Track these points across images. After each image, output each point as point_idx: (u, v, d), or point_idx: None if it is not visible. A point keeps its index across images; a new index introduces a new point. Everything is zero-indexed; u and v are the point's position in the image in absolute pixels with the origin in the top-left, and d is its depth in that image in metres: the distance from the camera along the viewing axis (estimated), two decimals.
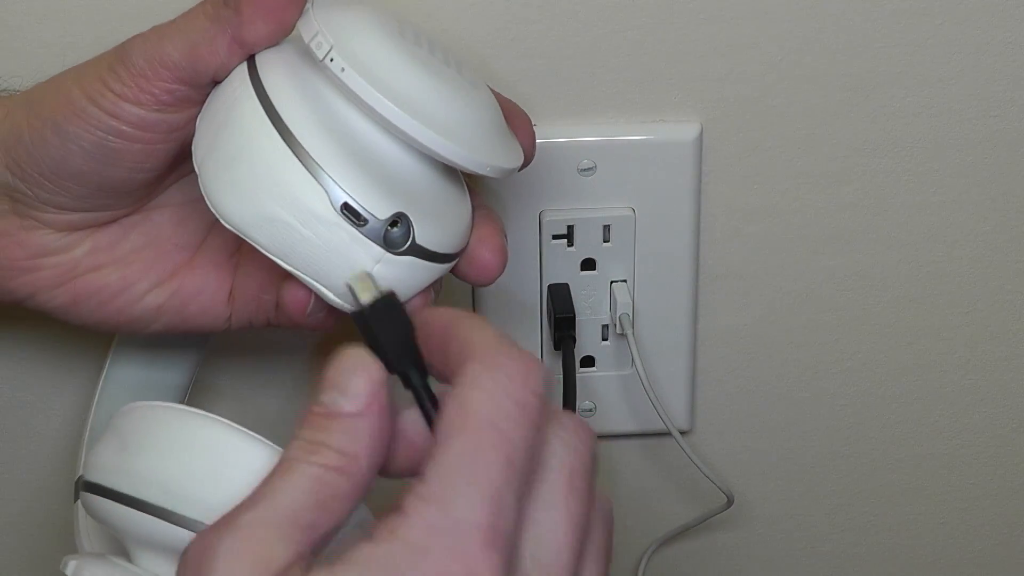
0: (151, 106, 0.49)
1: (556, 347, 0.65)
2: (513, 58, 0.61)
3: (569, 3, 0.60)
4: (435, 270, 0.50)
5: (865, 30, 0.61)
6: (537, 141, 0.62)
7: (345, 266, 0.48)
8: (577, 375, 0.65)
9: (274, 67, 0.49)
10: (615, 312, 0.65)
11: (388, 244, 0.48)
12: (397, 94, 0.47)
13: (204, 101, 0.50)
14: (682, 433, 0.68)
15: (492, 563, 0.38)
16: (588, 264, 0.64)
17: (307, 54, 0.48)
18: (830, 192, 0.65)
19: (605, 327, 0.66)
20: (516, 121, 0.53)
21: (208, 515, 0.43)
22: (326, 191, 0.47)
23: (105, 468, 0.48)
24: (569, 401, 0.62)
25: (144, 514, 0.46)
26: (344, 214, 0.47)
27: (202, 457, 0.46)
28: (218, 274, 0.55)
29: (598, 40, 0.61)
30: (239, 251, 0.56)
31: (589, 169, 0.63)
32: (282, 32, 0.49)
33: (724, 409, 0.70)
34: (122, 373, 0.61)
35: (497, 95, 0.53)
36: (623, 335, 0.65)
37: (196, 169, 0.49)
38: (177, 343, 0.61)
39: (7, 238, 0.53)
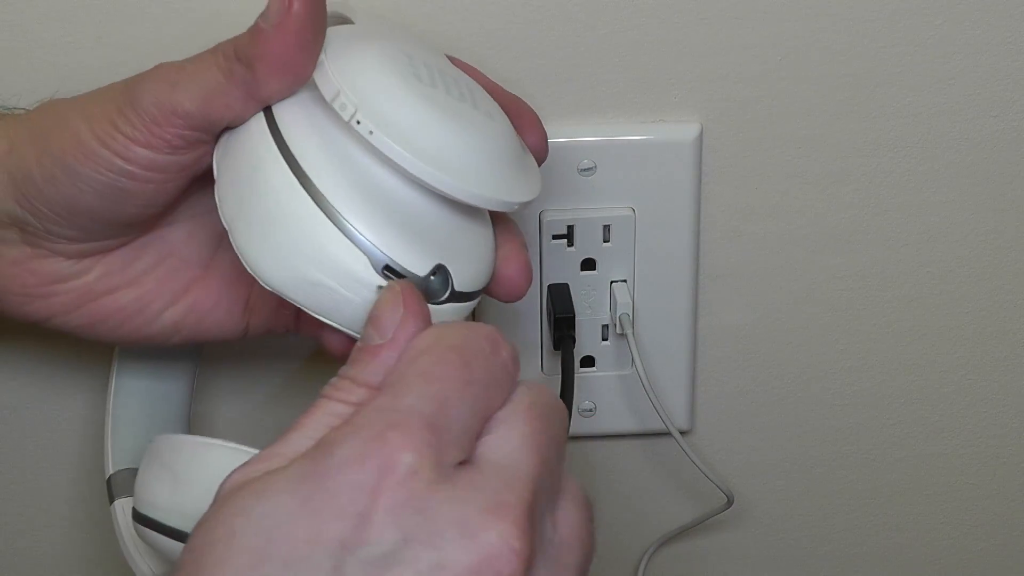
0: (163, 150, 0.49)
1: (556, 347, 0.65)
2: (513, 58, 0.61)
3: (569, 3, 0.60)
4: (470, 306, 0.50)
5: (865, 30, 0.61)
6: None
7: None
8: (577, 375, 0.65)
9: (295, 121, 0.48)
10: (615, 312, 0.65)
11: (429, 296, 0.48)
12: (424, 150, 0.47)
13: (216, 139, 0.50)
14: (682, 433, 0.68)
15: (426, 441, 0.39)
16: (588, 264, 0.64)
17: (325, 103, 0.48)
18: (830, 192, 0.65)
19: (605, 327, 0.66)
20: (525, 122, 0.53)
21: None
22: (367, 256, 0.47)
23: (160, 506, 0.49)
24: (568, 401, 0.62)
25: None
26: (386, 274, 0.47)
27: None
28: (233, 288, 0.56)
29: (598, 40, 0.61)
30: None
31: (589, 169, 0.63)
32: (298, 85, 0.48)
33: (724, 409, 0.70)
34: (130, 384, 0.61)
35: (503, 93, 0.53)
36: (623, 335, 0.65)
37: (225, 226, 0.48)
38: (177, 352, 0.62)
39: (19, 266, 0.53)
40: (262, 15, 0.47)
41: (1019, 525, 0.74)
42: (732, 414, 0.70)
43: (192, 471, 0.48)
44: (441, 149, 0.47)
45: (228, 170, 0.49)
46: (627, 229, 0.64)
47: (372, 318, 0.44)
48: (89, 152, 0.49)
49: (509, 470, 0.40)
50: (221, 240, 0.55)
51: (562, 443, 0.43)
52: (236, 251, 0.48)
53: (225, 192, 0.49)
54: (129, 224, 0.52)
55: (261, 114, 0.48)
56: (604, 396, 0.68)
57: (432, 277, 0.48)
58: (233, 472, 0.41)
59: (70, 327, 0.54)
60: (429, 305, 0.47)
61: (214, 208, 0.50)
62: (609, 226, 0.64)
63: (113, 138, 0.49)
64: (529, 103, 0.61)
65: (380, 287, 0.47)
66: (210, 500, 0.41)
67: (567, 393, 0.62)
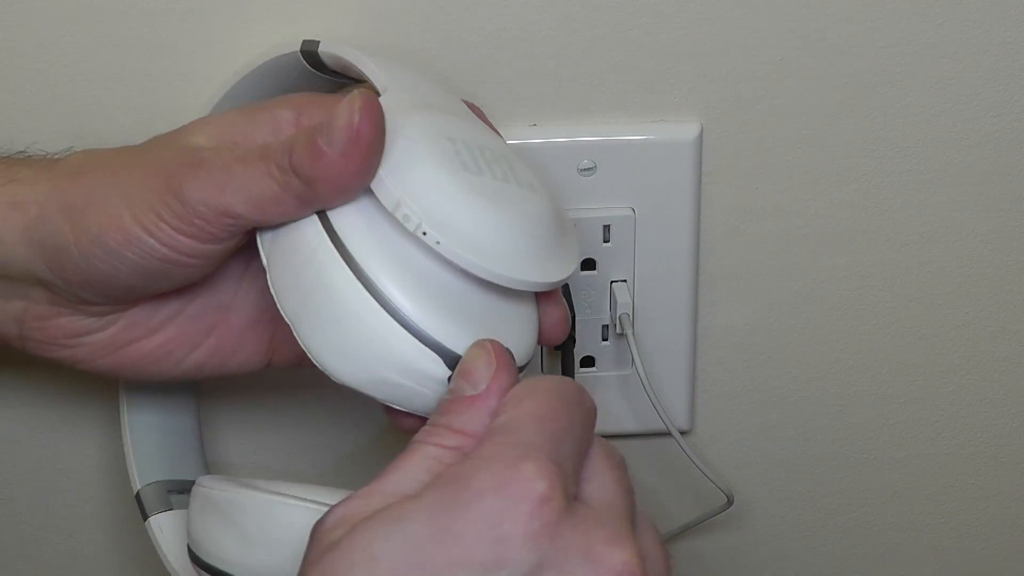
0: (208, 241, 0.49)
1: (556, 347, 0.65)
2: (513, 58, 0.61)
3: (569, 3, 0.60)
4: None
5: (865, 30, 0.61)
6: (537, 141, 0.62)
7: None
8: (577, 375, 0.65)
9: (351, 221, 0.49)
10: (615, 312, 0.65)
11: None
12: (484, 250, 0.48)
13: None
14: (682, 433, 0.68)
15: (554, 472, 0.42)
16: (588, 264, 0.64)
17: (378, 202, 0.48)
18: (830, 192, 0.65)
19: (605, 327, 0.66)
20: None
21: None
22: (438, 355, 0.48)
23: (228, 561, 0.50)
24: None
25: None
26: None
27: None
28: (256, 328, 0.56)
29: (598, 40, 0.61)
30: (274, 308, 0.56)
31: (589, 169, 0.63)
32: (354, 197, 0.49)
33: (724, 409, 0.70)
34: (141, 416, 0.62)
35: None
36: (623, 335, 0.65)
37: (287, 320, 0.49)
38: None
39: (44, 321, 0.53)
40: (323, 134, 0.47)
41: (1019, 525, 0.74)
42: (732, 414, 0.70)
43: (264, 530, 0.49)
44: (496, 243, 0.49)
45: (284, 268, 0.49)
46: (627, 229, 0.64)
47: (464, 371, 0.47)
48: (132, 238, 0.49)
49: (614, 507, 0.45)
50: (240, 282, 0.56)
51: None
52: (302, 346, 0.49)
53: (283, 287, 0.49)
54: (164, 292, 0.53)
55: (315, 215, 0.49)
56: (604, 396, 0.68)
57: None
58: (334, 508, 0.43)
59: (97, 371, 0.55)
60: None
61: (234, 252, 0.50)
62: (609, 226, 0.64)
63: (159, 228, 0.49)
64: (529, 103, 0.62)
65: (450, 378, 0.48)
66: (283, 553, 0.45)
67: None
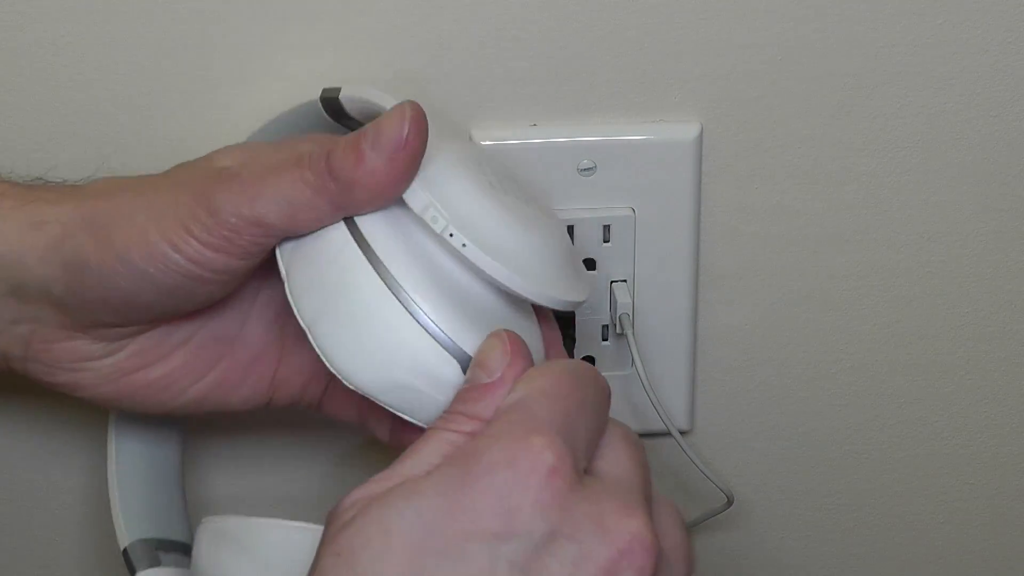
0: (236, 256, 0.49)
1: None
2: (513, 58, 0.61)
3: (569, 3, 0.60)
4: None
5: (865, 30, 0.61)
6: (537, 141, 0.62)
7: None
8: None
9: (378, 225, 0.49)
10: (615, 312, 0.65)
11: None
12: (509, 259, 0.50)
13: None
14: (682, 433, 0.68)
15: (563, 446, 0.43)
16: (588, 264, 0.64)
17: (404, 206, 0.49)
18: (830, 192, 0.65)
19: (605, 327, 0.66)
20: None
21: None
22: (457, 360, 0.49)
23: None
24: None
25: None
26: None
27: None
28: (261, 363, 0.56)
29: (598, 40, 0.61)
30: (280, 341, 0.56)
31: (589, 169, 0.63)
32: (386, 205, 0.49)
33: (724, 409, 0.70)
34: (129, 447, 0.61)
35: None
36: (623, 335, 0.65)
37: (304, 327, 0.49)
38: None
39: (50, 344, 0.52)
40: (369, 139, 0.48)
41: (1019, 525, 0.74)
42: (732, 414, 0.70)
43: (285, 555, 0.49)
44: (519, 255, 0.50)
45: (305, 271, 0.50)
46: (627, 229, 0.64)
47: (479, 361, 0.47)
48: (158, 254, 0.49)
49: (626, 482, 0.46)
50: (250, 312, 0.56)
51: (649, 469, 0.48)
52: (318, 351, 0.49)
53: (303, 290, 0.49)
54: (179, 315, 0.53)
55: (341, 220, 0.50)
56: None
57: None
58: (352, 492, 0.44)
59: (96, 399, 0.54)
60: None
61: (244, 283, 0.51)
62: (609, 226, 0.64)
63: (187, 243, 0.49)
64: (529, 103, 0.62)
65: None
66: None
67: None
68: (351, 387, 0.49)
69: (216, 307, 0.54)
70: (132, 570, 0.58)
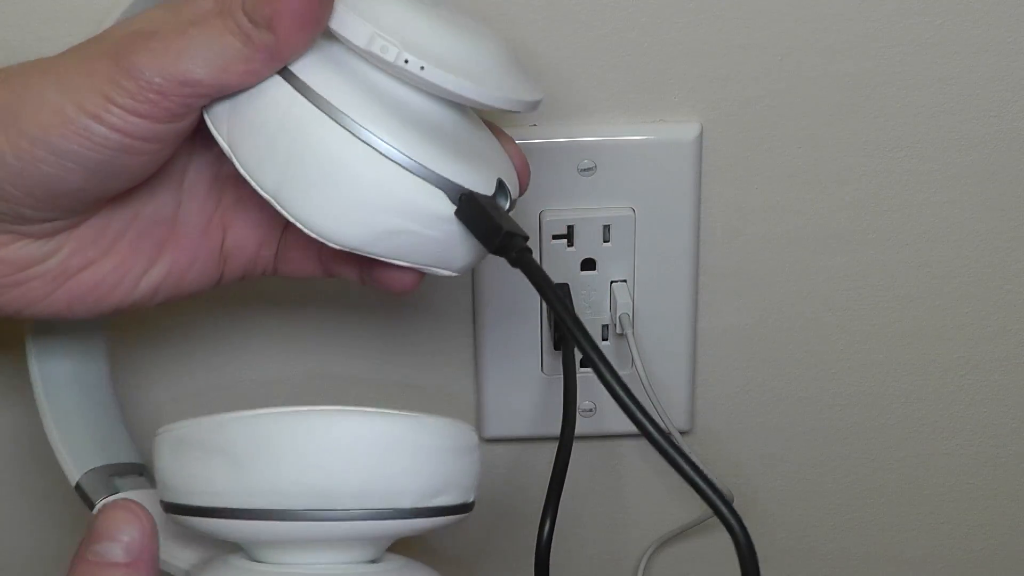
0: (163, 119, 0.46)
1: (556, 347, 0.65)
2: None
3: (569, 3, 0.60)
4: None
5: (865, 30, 0.61)
6: (537, 141, 0.62)
7: (470, 247, 0.49)
8: (577, 375, 0.64)
9: (320, 71, 0.47)
10: (615, 312, 0.65)
11: (499, 208, 0.48)
12: (466, 71, 0.47)
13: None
14: (682, 433, 0.68)
15: None
16: (588, 264, 0.64)
17: (338, 44, 0.47)
18: (830, 192, 0.65)
19: (605, 327, 0.66)
20: (510, 149, 0.53)
21: (332, 499, 0.46)
22: (442, 190, 0.47)
23: (216, 491, 0.48)
24: (569, 401, 0.62)
25: (268, 521, 0.47)
26: (461, 202, 0.47)
27: (319, 448, 0.47)
28: (206, 239, 0.53)
29: (598, 40, 0.61)
30: (221, 212, 0.54)
31: (589, 169, 0.63)
32: (317, 37, 0.46)
33: (724, 409, 0.70)
34: (54, 371, 0.59)
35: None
36: (623, 335, 0.65)
37: (268, 197, 0.47)
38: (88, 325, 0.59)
39: None
40: None
41: (1019, 525, 0.74)
42: (732, 414, 0.70)
43: (257, 444, 0.47)
44: (474, 66, 0.47)
45: (255, 140, 0.47)
46: (627, 229, 0.64)
47: (107, 533, 0.45)
48: (80, 129, 0.46)
49: None
50: (181, 192, 0.53)
51: None
52: (292, 219, 0.47)
53: (257, 161, 0.47)
54: (112, 197, 0.50)
55: (277, 74, 0.47)
56: (604, 396, 0.67)
57: (498, 192, 0.48)
58: None
59: (47, 313, 0.51)
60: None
61: (171, 160, 0.48)
62: (609, 226, 0.64)
63: (108, 111, 0.45)
64: None
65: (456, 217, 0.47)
66: (281, 464, 0.45)
67: (568, 393, 0.62)
68: (336, 246, 0.47)
69: (147, 191, 0.51)
70: (90, 504, 0.56)
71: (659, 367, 0.67)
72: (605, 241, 0.64)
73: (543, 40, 0.61)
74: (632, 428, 0.69)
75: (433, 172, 0.46)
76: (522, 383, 0.67)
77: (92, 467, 0.57)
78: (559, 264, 0.64)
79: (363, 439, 0.47)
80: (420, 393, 0.68)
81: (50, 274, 0.50)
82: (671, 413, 0.67)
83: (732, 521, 0.44)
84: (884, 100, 0.63)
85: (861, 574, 0.75)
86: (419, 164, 0.46)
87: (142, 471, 0.58)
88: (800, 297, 0.67)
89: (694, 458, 0.66)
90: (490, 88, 0.47)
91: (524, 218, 0.63)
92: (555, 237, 0.64)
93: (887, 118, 0.63)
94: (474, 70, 0.47)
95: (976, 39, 0.61)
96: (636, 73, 0.62)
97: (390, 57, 0.46)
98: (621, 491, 0.71)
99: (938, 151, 0.64)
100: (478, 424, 0.69)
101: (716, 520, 0.70)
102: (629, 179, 0.63)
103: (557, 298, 0.46)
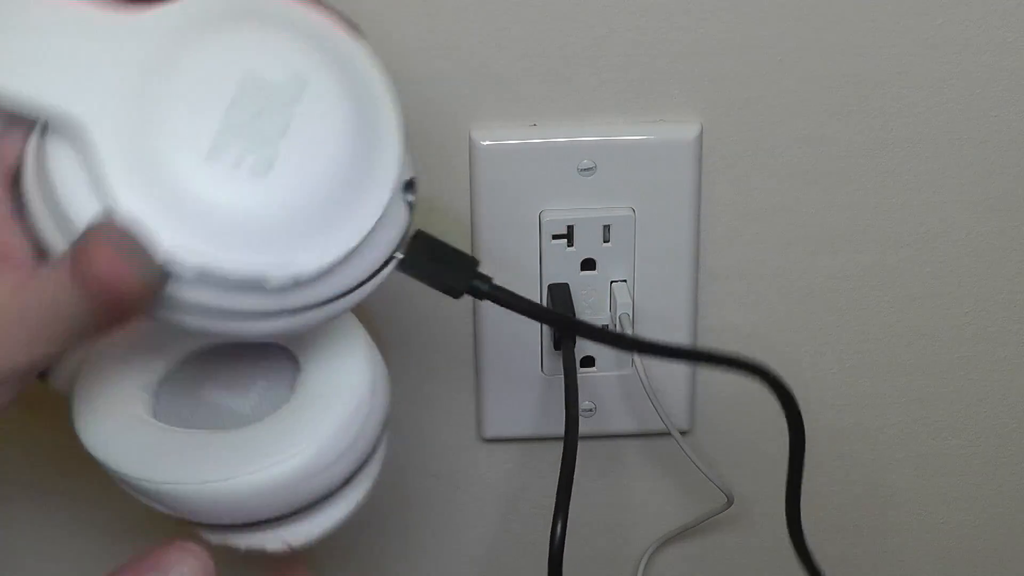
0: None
1: (556, 347, 0.65)
2: (513, 58, 0.61)
3: (569, 3, 0.60)
4: None
5: (865, 30, 0.61)
6: (537, 141, 0.62)
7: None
8: (577, 375, 0.64)
9: None
10: (615, 312, 0.65)
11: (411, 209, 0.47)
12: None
13: None
14: (682, 433, 0.68)
15: None
16: (588, 264, 0.64)
17: None
18: (830, 192, 0.65)
19: (605, 327, 0.66)
20: None
21: None
22: None
23: None
24: (570, 402, 0.62)
25: None
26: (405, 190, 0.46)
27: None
28: None
29: (598, 40, 0.61)
30: None
31: (589, 169, 0.63)
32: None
33: (724, 409, 0.70)
34: None
35: None
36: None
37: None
38: None
39: None
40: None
41: (1019, 525, 0.74)
42: (732, 414, 0.70)
43: None
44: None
45: None
46: (627, 229, 0.64)
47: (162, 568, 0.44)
48: None
49: None
50: None
51: None
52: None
53: None
54: None
55: None
56: (604, 396, 0.68)
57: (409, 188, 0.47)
58: None
59: None
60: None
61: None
62: (609, 226, 0.64)
63: None
64: (529, 103, 0.61)
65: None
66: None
67: (568, 393, 0.62)
68: None
69: None
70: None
71: (659, 367, 0.67)
72: (605, 241, 0.64)
73: (543, 40, 0.61)
74: (632, 428, 0.69)
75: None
76: (522, 383, 0.67)
77: None
78: (559, 264, 0.64)
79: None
80: (420, 393, 0.68)
81: None
82: (671, 413, 0.67)
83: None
84: (884, 100, 0.63)
85: (861, 574, 0.75)
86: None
87: None
88: (800, 297, 0.67)
89: (694, 457, 0.66)
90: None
91: (524, 218, 0.63)
92: (555, 237, 0.64)
93: (887, 118, 0.63)
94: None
95: (976, 39, 0.61)
96: (636, 73, 0.62)
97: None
98: (621, 491, 0.71)
99: (938, 151, 0.64)
100: (478, 424, 0.69)
101: (716, 520, 0.70)
102: (629, 179, 0.63)
103: (533, 306, 0.48)
